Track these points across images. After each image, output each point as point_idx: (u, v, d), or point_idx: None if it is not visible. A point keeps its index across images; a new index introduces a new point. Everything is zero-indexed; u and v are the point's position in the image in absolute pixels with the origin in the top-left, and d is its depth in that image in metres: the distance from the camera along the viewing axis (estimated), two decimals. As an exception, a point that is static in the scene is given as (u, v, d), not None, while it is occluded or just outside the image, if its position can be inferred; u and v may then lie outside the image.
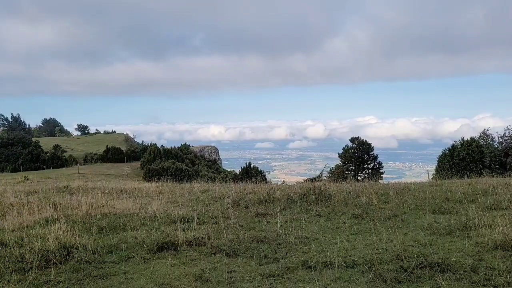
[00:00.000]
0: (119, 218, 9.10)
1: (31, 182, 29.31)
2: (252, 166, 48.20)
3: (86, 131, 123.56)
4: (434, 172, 33.32)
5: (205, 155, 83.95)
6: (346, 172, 45.66)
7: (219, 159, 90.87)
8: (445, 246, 6.07)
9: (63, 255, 5.96)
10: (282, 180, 37.16)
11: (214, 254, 6.17)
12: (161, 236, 6.95)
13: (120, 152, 70.66)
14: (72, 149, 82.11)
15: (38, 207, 10.36)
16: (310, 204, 10.21)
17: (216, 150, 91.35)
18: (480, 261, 5.27)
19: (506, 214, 7.51)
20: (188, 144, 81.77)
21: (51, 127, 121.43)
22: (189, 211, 9.60)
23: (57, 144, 79.95)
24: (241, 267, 5.52)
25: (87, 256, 6.00)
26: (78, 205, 10.57)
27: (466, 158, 31.88)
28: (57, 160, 63.66)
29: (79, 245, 6.32)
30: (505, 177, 17.21)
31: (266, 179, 31.10)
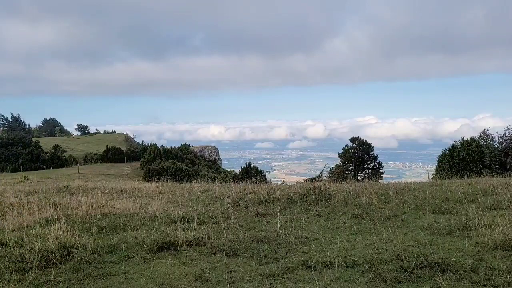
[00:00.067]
0: (119, 218, 9.10)
1: (31, 182, 29.29)
2: (252, 166, 48.20)
3: (86, 131, 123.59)
4: (434, 172, 33.32)
5: (205, 155, 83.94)
6: (346, 172, 45.66)
7: (219, 159, 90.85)
8: (445, 246, 6.07)
9: (63, 255, 5.96)
10: (282, 180, 37.14)
11: (214, 254, 6.17)
12: (161, 236, 6.95)
13: (120, 152, 70.68)
14: (72, 149, 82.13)
15: (38, 207, 10.36)
16: (310, 204, 10.21)
17: (216, 150, 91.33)
18: (480, 261, 5.27)
19: (506, 214, 7.51)
20: (188, 144, 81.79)
21: (51, 127, 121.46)
22: (189, 211, 9.60)
23: (57, 144, 79.98)
24: (241, 267, 5.52)
25: (87, 256, 6.00)
26: (78, 205, 10.57)
27: (466, 158, 31.89)
28: (57, 160, 63.68)
29: (79, 245, 6.32)
30: (505, 177, 17.20)
31: (266, 179, 31.08)
